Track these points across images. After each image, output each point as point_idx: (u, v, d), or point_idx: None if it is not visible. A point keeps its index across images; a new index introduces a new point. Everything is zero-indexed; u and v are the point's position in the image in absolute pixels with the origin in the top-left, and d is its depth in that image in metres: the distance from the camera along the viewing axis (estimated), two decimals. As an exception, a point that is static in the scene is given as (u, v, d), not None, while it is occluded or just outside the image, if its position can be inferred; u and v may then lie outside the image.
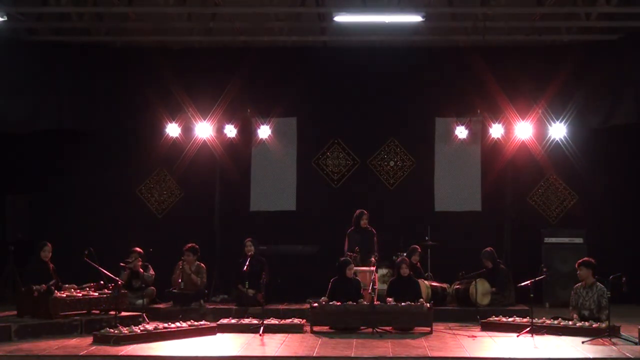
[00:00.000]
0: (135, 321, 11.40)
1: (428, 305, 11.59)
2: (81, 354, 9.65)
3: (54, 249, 12.13)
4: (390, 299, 11.76)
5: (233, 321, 11.67)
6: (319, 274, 12.92)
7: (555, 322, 11.21)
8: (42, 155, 15.13)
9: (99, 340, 10.29)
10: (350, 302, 11.63)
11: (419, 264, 13.52)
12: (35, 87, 14.16)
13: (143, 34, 14.62)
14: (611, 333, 10.60)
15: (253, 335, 10.99)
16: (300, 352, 9.87)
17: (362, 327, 11.40)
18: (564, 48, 14.65)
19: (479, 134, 14.81)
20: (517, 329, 11.16)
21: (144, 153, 14.96)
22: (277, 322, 11.61)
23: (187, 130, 14.61)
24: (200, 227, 14.77)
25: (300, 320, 11.81)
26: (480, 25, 13.71)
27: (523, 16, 13.90)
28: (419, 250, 13.51)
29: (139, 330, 10.60)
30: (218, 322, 11.56)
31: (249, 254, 13.09)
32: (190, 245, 13.13)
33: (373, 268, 12.60)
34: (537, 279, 11.45)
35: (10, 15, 13.17)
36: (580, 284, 11.50)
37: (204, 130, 14.50)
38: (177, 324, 11.10)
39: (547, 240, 14.23)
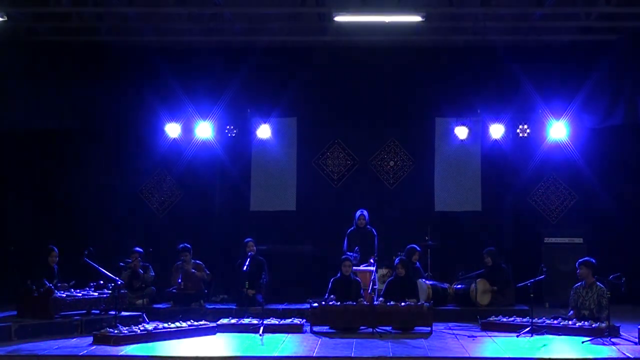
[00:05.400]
0: (135, 321, 11.41)
1: (428, 305, 11.60)
2: (81, 354, 9.65)
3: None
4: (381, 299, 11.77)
5: (233, 321, 11.67)
6: (319, 274, 12.92)
7: (555, 322, 11.21)
8: (42, 155, 15.12)
9: (99, 340, 10.29)
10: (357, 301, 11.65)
11: (417, 263, 13.51)
12: (35, 87, 14.13)
13: (143, 34, 14.60)
14: (611, 333, 10.60)
15: (253, 335, 11.00)
16: (300, 352, 9.87)
17: (362, 327, 11.40)
18: (563, 48, 14.64)
19: (479, 134, 14.82)
20: (517, 329, 11.16)
21: (144, 153, 14.97)
22: (277, 322, 11.62)
23: (187, 130, 14.63)
24: (201, 228, 14.79)
25: (300, 320, 11.82)
26: (480, 25, 13.70)
27: (523, 16, 13.88)
28: (417, 249, 13.50)
29: (139, 330, 10.60)
30: (218, 322, 11.56)
31: (250, 254, 13.09)
32: (183, 245, 13.15)
33: (373, 268, 12.59)
34: (537, 279, 11.45)
35: (10, 15, 13.15)
36: (580, 284, 11.50)
37: (204, 130, 14.52)
38: (177, 324, 11.10)
39: (547, 240, 14.23)
